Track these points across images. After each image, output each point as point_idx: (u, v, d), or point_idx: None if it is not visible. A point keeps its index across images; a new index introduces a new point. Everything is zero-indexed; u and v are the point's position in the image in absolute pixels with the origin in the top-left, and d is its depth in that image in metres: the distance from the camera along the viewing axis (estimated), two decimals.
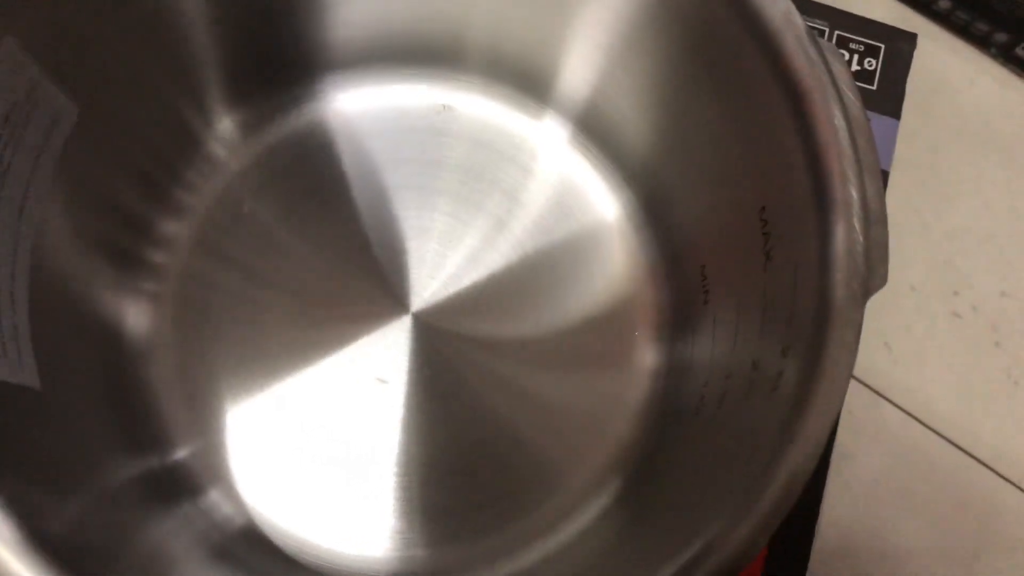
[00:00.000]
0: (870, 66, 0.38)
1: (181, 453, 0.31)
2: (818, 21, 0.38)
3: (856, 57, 0.38)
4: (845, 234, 0.22)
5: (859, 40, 0.38)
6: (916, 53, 0.38)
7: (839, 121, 0.22)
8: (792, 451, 0.20)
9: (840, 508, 0.55)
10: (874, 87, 0.38)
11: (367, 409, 0.32)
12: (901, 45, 0.38)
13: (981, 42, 0.43)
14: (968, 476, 0.56)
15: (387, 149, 0.35)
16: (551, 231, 0.34)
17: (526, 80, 0.35)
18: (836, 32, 0.38)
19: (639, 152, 0.33)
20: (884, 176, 0.36)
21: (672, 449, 0.31)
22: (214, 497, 0.30)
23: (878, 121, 0.37)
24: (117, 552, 0.23)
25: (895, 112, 0.37)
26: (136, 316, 0.32)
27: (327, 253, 0.33)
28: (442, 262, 0.34)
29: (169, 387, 0.32)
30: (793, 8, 0.23)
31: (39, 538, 0.20)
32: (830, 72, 0.22)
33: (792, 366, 0.22)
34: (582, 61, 0.32)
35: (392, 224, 0.34)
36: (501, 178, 0.35)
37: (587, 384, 0.33)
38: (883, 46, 0.38)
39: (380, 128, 0.35)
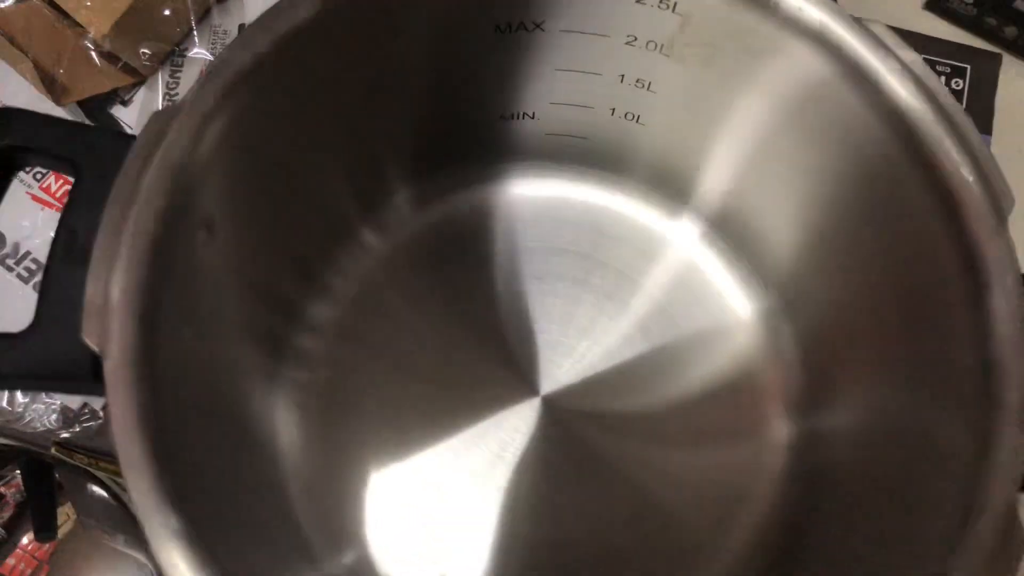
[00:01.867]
0: (957, 86, 0.39)
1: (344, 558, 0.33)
2: None
3: (943, 79, 0.39)
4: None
5: (945, 62, 0.40)
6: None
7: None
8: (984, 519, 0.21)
9: None
10: (963, 106, 0.39)
11: (504, 495, 0.33)
12: (986, 65, 0.40)
13: None
14: None
15: (536, 238, 0.37)
16: (679, 320, 0.36)
17: (667, 181, 0.37)
18: (922, 56, 0.40)
19: (774, 252, 0.35)
20: None
21: (821, 523, 0.31)
22: None
23: None
24: None
25: (986, 129, 0.39)
26: (286, 408, 0.34)
27: (465, 335, 0.35)
28: (572, 347, 0.35)
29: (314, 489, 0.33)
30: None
31: None
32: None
33: (961, 430, 0.23)
34: (723, 167, 0.34)
35: (527, 309, 0.36)
36: (634, 270, 0.37)
37: (722, 457, 0.34)
38: (968, 66, 0.40)
39: (532, 217, 0.37)
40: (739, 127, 0.32)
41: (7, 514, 0.50)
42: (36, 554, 0.50)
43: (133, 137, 0.24)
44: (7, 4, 0.36)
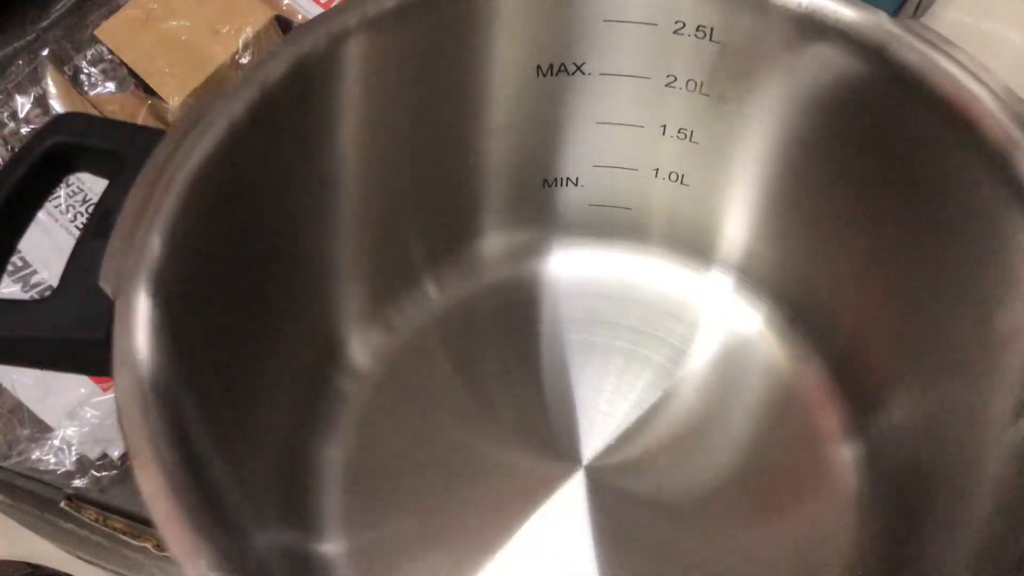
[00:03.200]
0: None
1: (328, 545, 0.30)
2: None
3: None
4: None
5: None
6: None
7: None
8: None
9: None
10: None
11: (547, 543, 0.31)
12: None
13: None
14: None
15: (571, 310, 0.36)
16: (716, 379, 0.35)
17: (693, 242, 0.36)
18: None
19: (804, 294, 0.34)
20: None
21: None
22: None
23: None
24: None
25: None
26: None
27: (502, 411, 0.34)
28: (619, 419, 0.33)
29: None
30: None
31: None
32: None
33: None
34: (742, 208, 0.34)
35: (567, 382, 0.34)
36: (669, 334, 0.36)
37: (790, 520, 0.31)
38: None
39: (577, 291, 0.37)
40: (774, 168, 0.31)
41: None
42: None
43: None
44: (107, 91, 0.39)
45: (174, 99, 0.37)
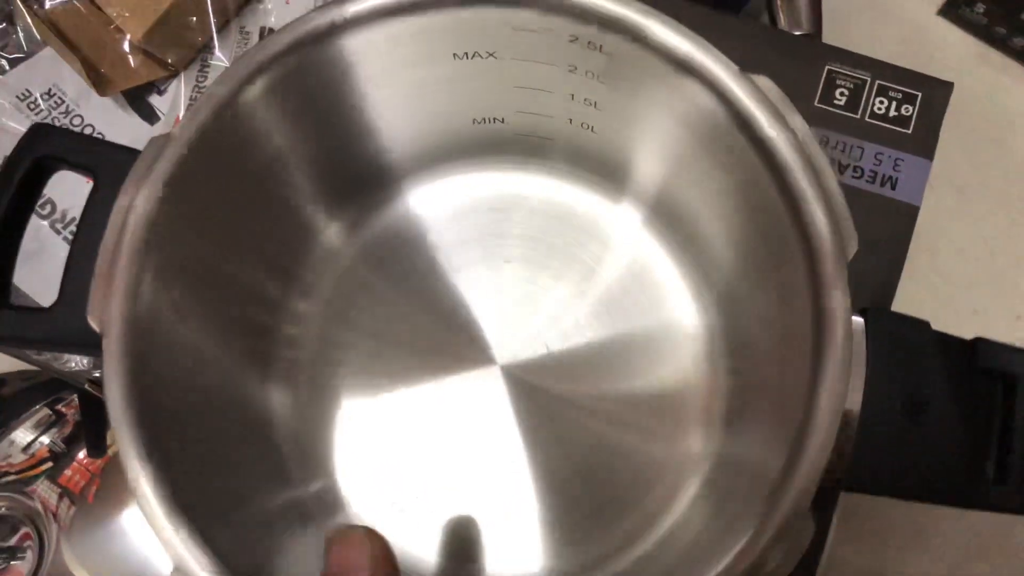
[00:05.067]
0: (906, 112, 0.42)
1: (315, 486, 0.39)
2: (860, 72, 0.43)
3: (894, 104, 0.42)
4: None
5: (897, 88, 0.42)
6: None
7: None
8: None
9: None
10: (909, 131, 0.42)
11: (475, 442, 0.39)
12: (937, 92, 0.42)
13: None
14: None
15: (497, 227, 0.42)
16: (622, 300, 0.41)
17: (605, 171, 0.41)
18: (877, 81, 0.42)
19: (702, 236, 0.40)
20: (914, 210, 0.40)
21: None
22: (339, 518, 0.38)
23: (911, 161, 0.41)
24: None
25: (928, 154, 0.41)
26: (277, 383, 0.40)
27: (433, 313, 0.41)
28: (526, 323, 0.40)
29: (308, 429, 0.40)
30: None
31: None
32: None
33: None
34: (650, 163, 0.39)
35: (490, 289, 0.41)
36: (583, 251, 0.42)
37: (658, 377, 0.40)
38: (919, 94, 0.42)
39: (502, 206, 0.43)
40: (663, 144, 0.36)
41: (67, 431, 0.58)
42: (90, 467, 0.58)
43: (138, 152, 0.30)
44: (56, 3, 0.42)
45: (137, 35, 0.40)
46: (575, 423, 0.39)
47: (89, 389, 0.43)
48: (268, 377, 0.39)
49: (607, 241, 0.42)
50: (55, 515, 0.55)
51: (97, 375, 0.41)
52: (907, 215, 0.41)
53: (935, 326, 0.30)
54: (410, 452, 0.39)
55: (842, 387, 0.26)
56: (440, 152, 0.41)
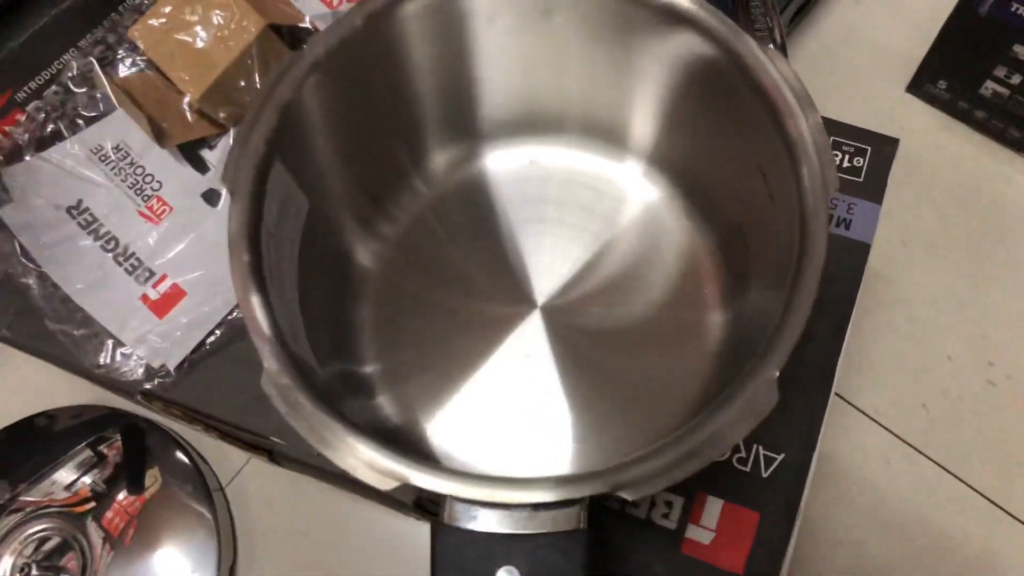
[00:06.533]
0: (858, 163, 0.48)
1: (368, 368, 0.46)
2: None
3: (847, 156, 0.48)
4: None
5: (850, 144, 0.48)
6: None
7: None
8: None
9: (877, 547, 0.62)
10: (861, 179, 0.48)
11: (515, 360, 0.45)
12: (885, 147, 0.48)
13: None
14: (1000, 529, 0.62)
15: (522, 192, 0.50)
16: (636, 242, 0.48)
17: (609, 138, 0.48)
18: (832, 138, 0.49)
19: (691, 171, 0.47)
20: (865, 248, 0.46)
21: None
22: (381, 400, 0.45)
23: (863, 205, 0.47)
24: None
25: (878, 199, 0.47)
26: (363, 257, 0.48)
27: (480, 259, 0.48)
28: (560, 269, 0.47)
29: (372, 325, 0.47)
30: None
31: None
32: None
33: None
34: (644, 118, 0.46)
35: (522, 247, 0.48)
36: (599, 206, 0.49)
37: (667, 360, 0.45)
38: (869, 148, 0.48)
39: (516, 178, 0.50)
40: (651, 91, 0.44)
41: (108, 472, 0.64)
42: (129, 509, 0.62)
43: None
44: (129, 73, 0.50)
45: (195, 96, 0.48)
46: (608, 344, 0.45)
47: (140, 401, 0.48)
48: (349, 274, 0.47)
49: (618, 195, 0.49)
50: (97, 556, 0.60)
51: (148, 387, 0.47)
52: (859, 252, 0.46)
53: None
54: (453, 366, 0.45)
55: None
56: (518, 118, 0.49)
